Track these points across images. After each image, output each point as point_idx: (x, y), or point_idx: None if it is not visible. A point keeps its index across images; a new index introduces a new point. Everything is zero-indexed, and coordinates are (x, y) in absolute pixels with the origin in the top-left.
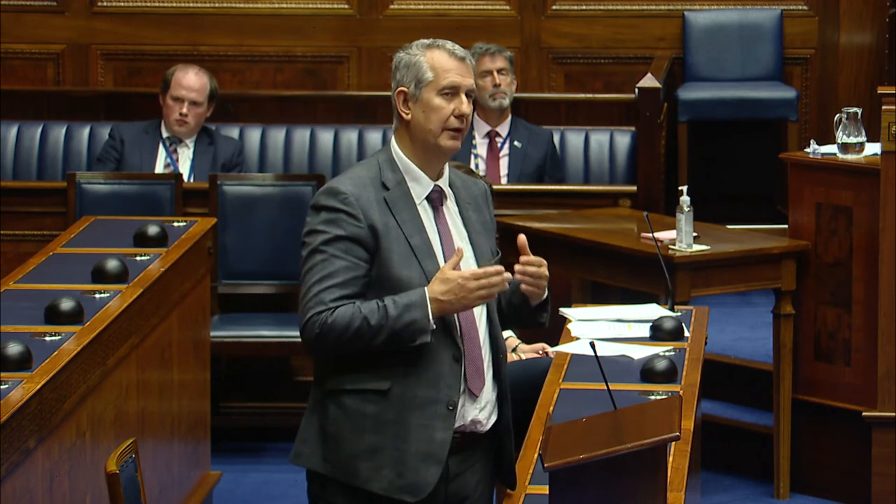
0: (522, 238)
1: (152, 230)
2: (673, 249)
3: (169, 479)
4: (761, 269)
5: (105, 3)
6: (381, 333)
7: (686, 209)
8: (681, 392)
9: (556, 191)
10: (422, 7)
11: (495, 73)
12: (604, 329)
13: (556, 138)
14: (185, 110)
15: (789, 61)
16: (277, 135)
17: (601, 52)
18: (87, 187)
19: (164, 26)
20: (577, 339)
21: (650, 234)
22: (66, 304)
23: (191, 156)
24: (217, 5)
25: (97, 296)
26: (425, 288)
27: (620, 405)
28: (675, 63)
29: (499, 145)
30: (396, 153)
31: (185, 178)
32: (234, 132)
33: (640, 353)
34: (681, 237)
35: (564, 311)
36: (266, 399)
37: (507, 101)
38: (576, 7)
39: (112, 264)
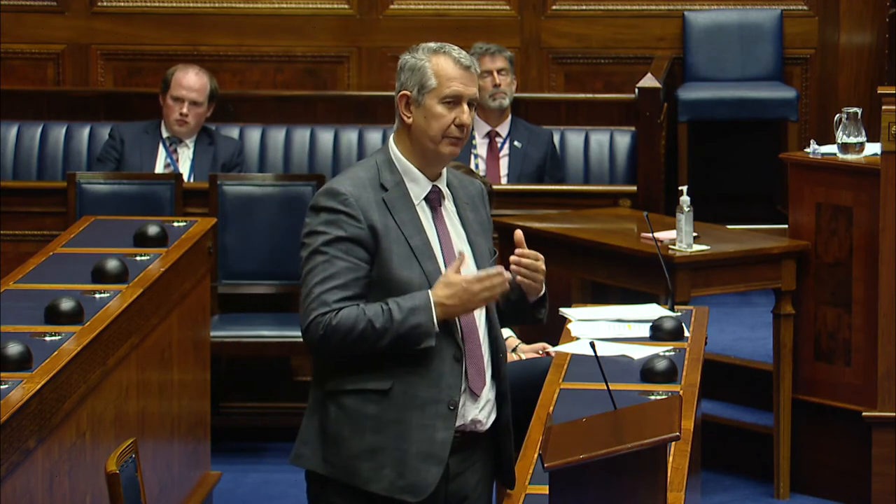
0: (519, 233)
1: (152, 230)
2: (673, 249)
3: (169, 479)
4: (761, 269)
5: (105, 3)
6: (386, 337)
7: (686, 209)
8: (681, 392)
9: (556, 191)
10: (422, 7)
11: (495, 73)
12: (604, 329)
13: (556, 138)
14: (185, 110)
15: (789, 61)
16: (277, 135)
17: (601, 52)
18: (87, 187)
19: (164, 26)
20: (577, 339)
21: (650, 234)
22: (66, 304)
23: (191, 156)
24: (217, 5)
25: (97, 296)
26: (429, 291)
27: (620, 405)
28: (675, 63)
29: (499, 145)
30: (395, 154)
31: (185, 178)
32: (234, 132)
33: (640, 353)
34: (681, 237)
35: (564, 311)
36: (266, 399)
37: (507, 101)
38: (576, 7)
39: (112, 264)
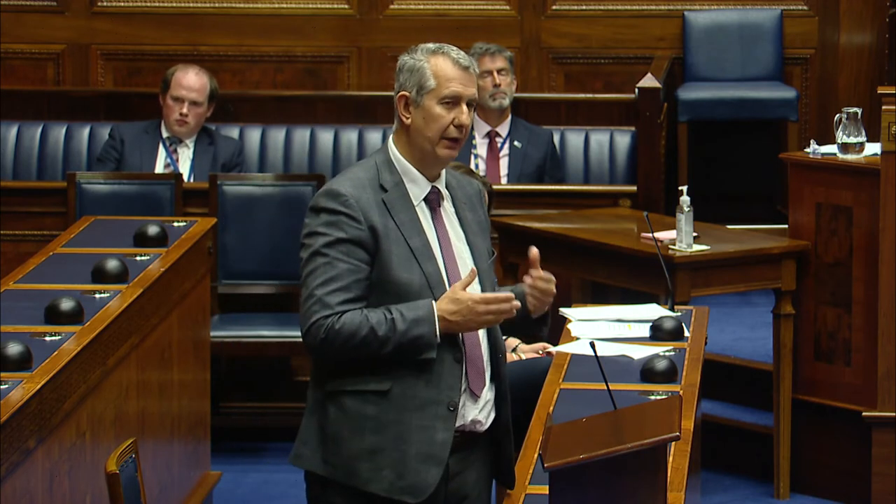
0: (535, 252)
1: (152, 230)
2: (673, 249)
3: (169, 479)
4: (761, 269)
5: (105, 3)
6: (388, 345)
7: (686, 209)
8: (681, 392)
9: (556, 191)
10: (422, 7)
11: (495, 73)
12: (604, 329)
13: (556, 138)
14: (185, 110)
15: (789, 61)
16: (277, 135)
17: (601, 52)
18: (87, 187)
19: (164, 26)
20: (577, 339)
21: (650, 234)
22: (66, 304)
23: (191, 156)
24: (217, 5)
25: (97, 296)
26: (433, 302)
27: (620, 405)
28: (675, 63)
29: (499, 145)
30: (394, 154)
31: (185, 178)
32: (234, 132)
33: (640, 353)
34: (681, 237)
35: (564, 311)
36: (266, 399)
37: (507, 101)
38: (576, 7)
39: (112, 264)
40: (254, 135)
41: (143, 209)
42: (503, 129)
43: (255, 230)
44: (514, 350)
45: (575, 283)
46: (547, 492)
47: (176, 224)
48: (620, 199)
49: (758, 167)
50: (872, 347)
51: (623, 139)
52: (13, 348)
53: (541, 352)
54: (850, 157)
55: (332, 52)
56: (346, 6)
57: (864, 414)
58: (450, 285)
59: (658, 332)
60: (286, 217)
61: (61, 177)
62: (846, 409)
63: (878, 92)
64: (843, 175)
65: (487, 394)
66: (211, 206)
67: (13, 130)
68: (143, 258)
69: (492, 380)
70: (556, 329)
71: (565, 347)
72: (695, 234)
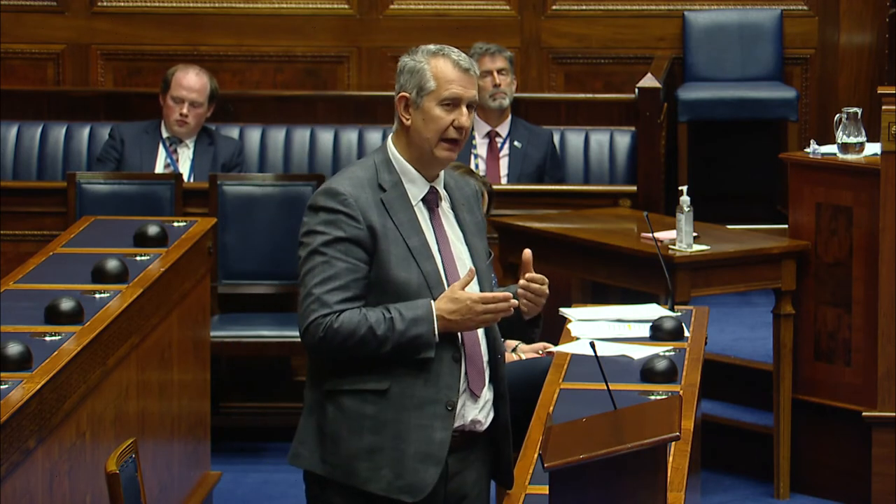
0: (528, 253)
1: (152, 230)
2: (673, 249)
3: (169, 479)
4: (761, 269)
5: (105, 3)
6: (386, 344)
7: (686, 209)
8: (681, 392)
9: (556, 191)
10: (422, 7)
11: (495, 73)
12: (604, 329)
13: (556, 138)
14: (185, 111)
15: (789, 61)
16: (277, 135)
17: (601, 52)
18: (87, 187)
19: (164, 26)
20: (577, 339)
21: (650, 234)
22: (66, 304)
23: (191, 156)
24: (217, 5)
25: (97, 296)
26: (431, 302)
27: (620, 405)
28: (675, 63)
29: (499, 145)
30: (393, 154)
31: (185, 178)
32: (234, 132)
33: (640, 353)
34: (681, 237)
35: (564, 311)
36: (266, 399)
37: (507, 101)
38: (576, 7)
39: (112, 264)
40: (254, 135)
41: (143, 209)
42: (503, 130)
43: (255, 230)
44: (514, 350)
45: (575, 283)
46: (547, 492)
47: (176, 224)
48: (620, 199)
49: (758, 167)
50: (872, 347)
51: (623, 139)
52: (13, 348)
53: (541, 352)
54: (850, 157)
55: (332, 52)
56: (346, 6)
57: (864, 414)
58: (448, 285)
59: (658, 332)
60: (286, 217)
61: (61, 177)
62: (846, 409)
63: (878, 92)
64: (843, 175)
65: (487, 394)
66: (211, 206)
67: (13, 130)
68: (143, 258)
69: (491, 380)
70: (556, 329)
71: (565, 347)
72: (695, 234)
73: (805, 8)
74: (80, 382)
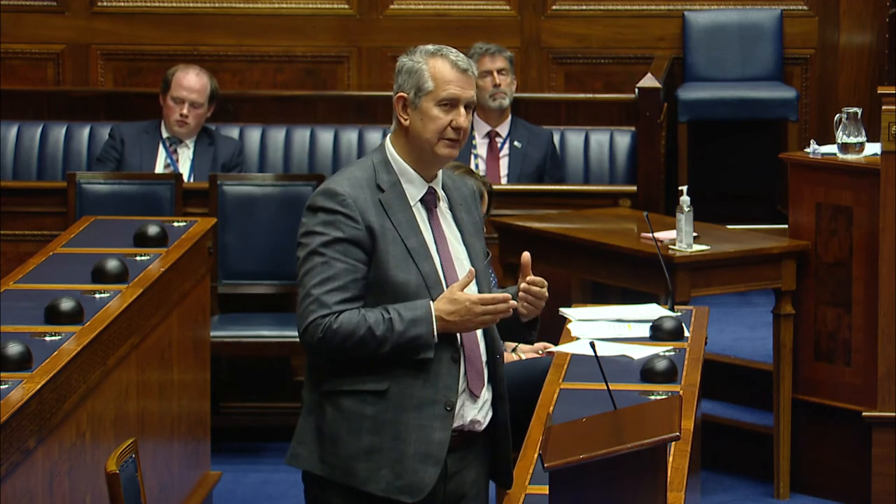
0: (527, 256)
1: (152, 230)
2: (673, 249)
3: (169, 479)
4: (761, 269)
5: (105, 3)
6: (385, 345)
7: (686, 209)
8: (681, 392)
9: (556, 191)
10: (422, 7)
11: (495, 73)
12: (604, 329)
13: (556, 138)
14: (185, 111)
15: (789, 61)
16: (277, 135)
17: (601, 52)
18: (87, 187)
19: (164, 26)
20: (577, 339)
21: (650, 234)
22: (66, 304)
23: (191, 156)
24: (217, 5)
25: (97, 296)
26: (430, 302)
27: (620, 405)
28: (675, 63)
29: (499, 145)
30: (392, 154)
31: (185, 178)
32: (234, 132)
33: (640, 353)
34: (681, 237)
35: (564, 311)
36: (266, 399)
37: (507, 101)
38: (576, 7)
39: (112, 264)
40: (254, 135)
41: (143, 209)
42: (503, 130)
43: (255, 230)
44: (514, 350)
45: (575, 283)
46: (547, 492)
47: (176, 224)
48: (620, 199)
49: (758, 167)
50: (872, 347)
51: (623, 139)
52: (13, 348)
53: (541, 352)
54: (850, 157)
55: (332, 52)
56: (346, 6)
57: (864, 414)
58: (447, 285)
59: (658, 332)
60: (286, 217)
61: (61, 177)
62: (846, 409)
63: (878, 92)
64: (843, 175)
65: (486, 394)
66: (211, 206)
67: (13, 130)
68: (143, 258)
69: (489, 380)
70: (556, 329)
71: (565, 347)
72: (695, 234)
73: (805, 8)
74: (80, 382)
